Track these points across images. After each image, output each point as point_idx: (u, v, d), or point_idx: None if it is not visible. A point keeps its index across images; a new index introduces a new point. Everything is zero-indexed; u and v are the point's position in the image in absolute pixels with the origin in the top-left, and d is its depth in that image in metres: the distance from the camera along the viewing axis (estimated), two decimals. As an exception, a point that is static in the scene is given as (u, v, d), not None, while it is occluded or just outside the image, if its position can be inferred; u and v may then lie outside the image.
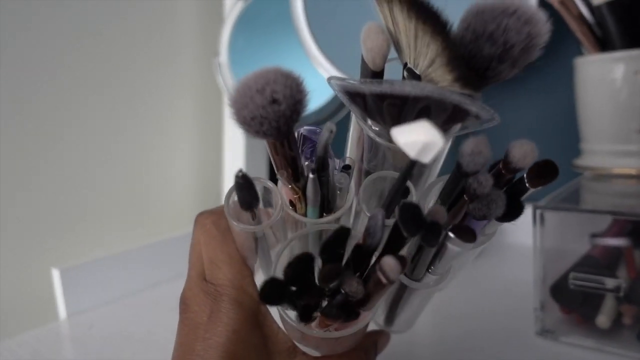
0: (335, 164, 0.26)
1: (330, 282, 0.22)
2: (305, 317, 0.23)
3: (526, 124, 0.72)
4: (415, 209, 0.21)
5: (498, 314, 0.51)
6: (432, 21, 0.23)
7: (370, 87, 0.23)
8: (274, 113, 0.23)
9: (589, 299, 0.44)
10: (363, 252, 0.22)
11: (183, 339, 0.28)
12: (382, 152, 0.26)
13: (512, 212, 0.25)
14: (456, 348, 0.44)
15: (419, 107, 0.23)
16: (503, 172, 0.24)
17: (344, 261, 0.23)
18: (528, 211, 0.44)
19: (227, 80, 0.78)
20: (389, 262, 0.20)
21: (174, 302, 0.63)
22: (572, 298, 0.44)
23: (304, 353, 0.28)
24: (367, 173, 0.27)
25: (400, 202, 0.21)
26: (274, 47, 0.76)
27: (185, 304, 0.29)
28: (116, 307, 0.60)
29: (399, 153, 0.25)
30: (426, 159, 0.19)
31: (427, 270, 0.27)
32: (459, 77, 0.22)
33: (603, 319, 0.42)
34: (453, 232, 0.23)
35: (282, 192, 0.27)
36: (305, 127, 0.26)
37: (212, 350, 0.26)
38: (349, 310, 0.23)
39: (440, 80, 0.23)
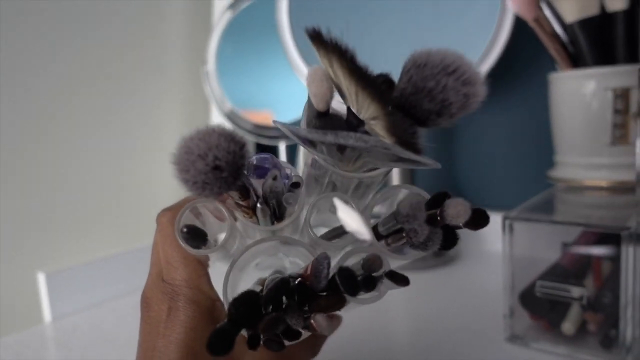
0: (286, 174, 0.28)
1: (271, 332, 0.23)
2: (252, 345, 0.24)
3: (502, 136, 0.74)
4: (351, 274, 0.24)
5: (470, 319, 0.52)
6: (372, 89, 0.24)
7: (315, 137, 0.24)
8: (216, 179, 0.23)
9: (556, 306, 0.45)
10: (308, 290, 0.24)
11: (145, 337, 0.30)
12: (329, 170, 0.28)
13: (447, 243, 0.27)
14: (428, 353, 0.46)
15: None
16: (439, 218, 0.25)
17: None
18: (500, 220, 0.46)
19: (215, 89, 0.79)
20: (321, 322, 0.22)
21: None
22: (540, 305, 0.45)
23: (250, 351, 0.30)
24: (315, 179, 0.29)
25: (337, 268, 0.24)
26: (260, 57, 0.78)
27: (146, 302, 0.30)
28: (100, 311, 0.61)
29: (345, 178, 0.27)
30: (357, 237, 0.22)
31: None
32: (398, 143, 0.24)
33: (568, 326, 0.44)
34: (388, 278, 0.25)
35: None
36: (256, 157, 0.27)
37: (172, 346, 0.28)
38: (292, 333, 0.24)
39: (382, 135, 0.24)
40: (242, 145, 0.24)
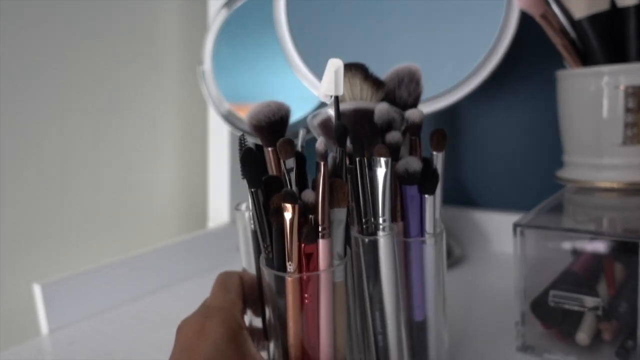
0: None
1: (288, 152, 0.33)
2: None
3: (510, 135, 0.72)
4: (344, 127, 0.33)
5: (481, 326, 0.51)
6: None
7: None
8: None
9: (569, 315, 0.44)
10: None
11: (174, 355, 0.32)
12: None
13: (427, 180, 0.37)
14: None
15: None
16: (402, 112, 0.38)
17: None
18: (511, 220, 0.45)
19: (211, 89, 0.77)
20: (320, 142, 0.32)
21: (155, 316, 0.62)
22: (552, 315, 0.44)
23: None
24: None
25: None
26: (257, 56, 0.76)
27: (178, 329, 0.34)
28: (98, 322, 0.59)
29: None
30: (340, 85, 0.33)
31: (380, 220, 0.36)
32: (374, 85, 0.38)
33: (582, 336, 0.42)
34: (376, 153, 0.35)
35: None
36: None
37: (196, 357, 0.30)
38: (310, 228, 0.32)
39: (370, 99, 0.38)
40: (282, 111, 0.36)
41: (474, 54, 0.57)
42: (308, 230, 0.31)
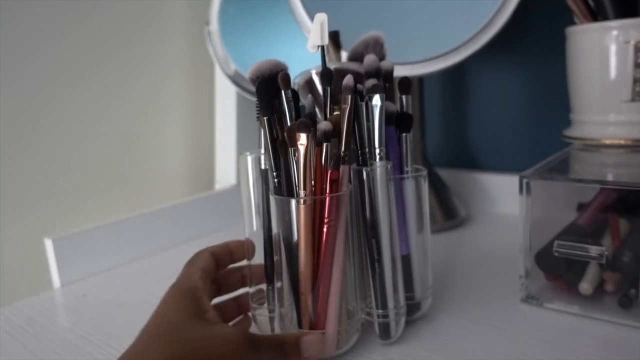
0: None
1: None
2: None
3: (517, 93, 0.72)
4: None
5: (485, 280, 0.51)
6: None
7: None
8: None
9: (572, 266, 0.44)
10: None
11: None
12: None
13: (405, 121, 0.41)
14: (443, 313, 0.45)
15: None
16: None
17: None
18: (516, 181, 0.45)
19: (218, 49, 0.77)
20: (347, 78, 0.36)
21: (165, 272, 0.63)
22: (555, 265, 0.45)
23: (226, 324, 0.38)
24: None
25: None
26: (264, 15, 0.75)
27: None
28: (109, 276, 0.60)
29: None
30: (325, 36, 0.36)
31: (377, 150, 0.38)
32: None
33: (586, 286, 0.43)
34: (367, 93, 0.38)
35: None
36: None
37: (151, 318, 0.35)
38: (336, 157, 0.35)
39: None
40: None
41: (483, 10, 0.57)
42: (337, 157, 0.34)
